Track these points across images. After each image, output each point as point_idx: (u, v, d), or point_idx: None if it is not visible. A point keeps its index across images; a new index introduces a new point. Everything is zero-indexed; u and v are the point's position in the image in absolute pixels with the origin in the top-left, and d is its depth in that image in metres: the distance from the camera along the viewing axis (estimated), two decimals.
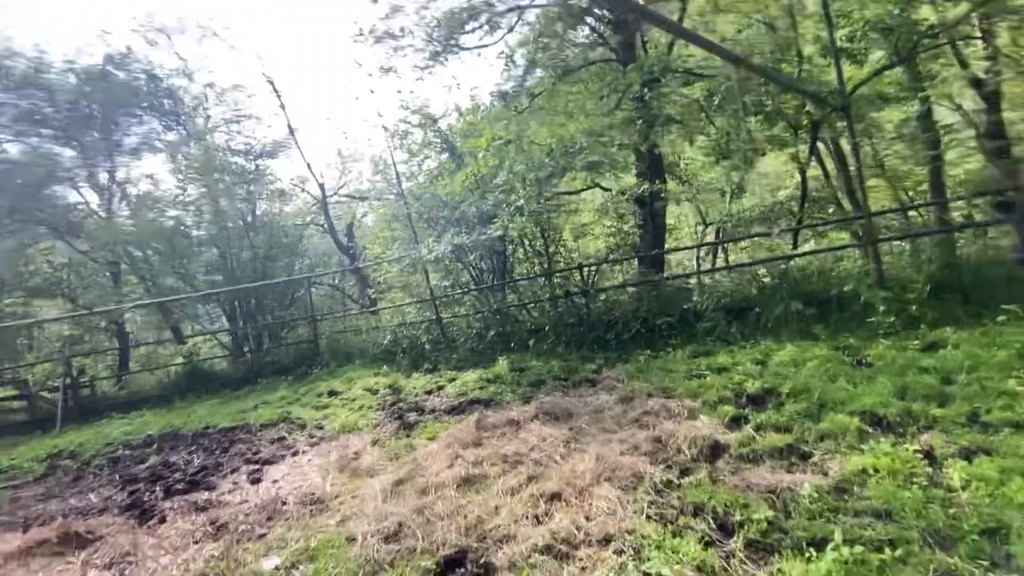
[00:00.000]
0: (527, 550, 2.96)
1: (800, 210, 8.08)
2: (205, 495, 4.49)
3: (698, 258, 10.50)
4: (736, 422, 3.99)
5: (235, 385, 9.51)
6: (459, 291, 9.48)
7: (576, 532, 3.07)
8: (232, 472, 5.06)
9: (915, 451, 2.97)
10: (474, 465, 4.29)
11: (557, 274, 8.61)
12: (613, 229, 10.17)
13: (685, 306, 6.80)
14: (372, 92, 10.52)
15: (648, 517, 3.01)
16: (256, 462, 5.22)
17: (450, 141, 9.51)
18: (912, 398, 3.64)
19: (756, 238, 7.70)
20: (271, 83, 13.17)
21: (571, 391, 5.66)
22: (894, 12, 5.97)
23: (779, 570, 2.37)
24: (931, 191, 9.25)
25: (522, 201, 5.84)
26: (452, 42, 7.05)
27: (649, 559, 2.61)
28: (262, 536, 3.59)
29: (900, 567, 2.21)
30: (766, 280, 6.58)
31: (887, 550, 2.29)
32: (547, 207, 7.79)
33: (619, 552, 2.76)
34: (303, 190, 15.43)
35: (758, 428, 3.78)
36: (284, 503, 4.10)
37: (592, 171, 6.63)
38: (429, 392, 6.85)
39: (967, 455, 2.85)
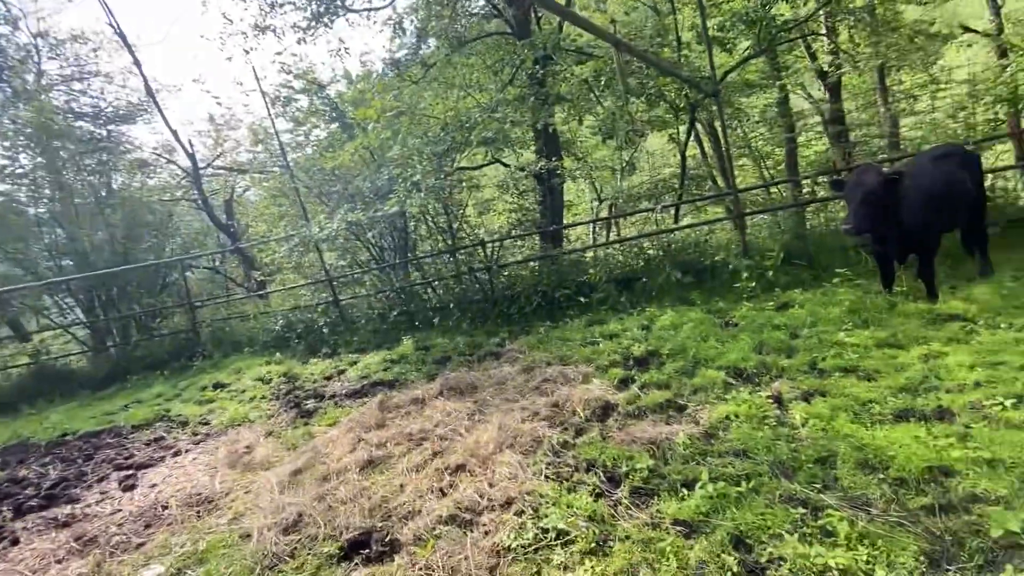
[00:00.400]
0: (432, 522, 2.99)
1: (680, 187, 8.78)
2: (67, 509, 3.97)
3: (594, 232, 11.03)
4: (624, 383, 4.31)
5: (98, 385, 8.36)
6: (358, 270, 9.08)
7: (480, 499, 3.15)
8: (99, 481, 4.50)
9: (767, 397, 3.42)
10: (377, 447, 4.22)
11: (461, 251, 8.57)
12: (515, 205, 10.31)
13: (582, 278, 7.14)
14: (247, 52, 9.36)
15: (547, 477, 3.17)
16: (128, 467, 4.69)
17: (340, 110, 8.91)
18: (767, 352, 4.17)
19: (643, 213, 8.24)
20: (120, 35, 11.25)
21: (476, 365, 5.74)
22: (756, 6, 6.58)
23: (658, 511, 2.62)
24: (787, 170, 10.55)
25: (419, 176, 5.68)
26: (336, 1, 6.53)
27: (546, 515, 2.76)
28: (140, 546, 3.26)
29: (754, 496, 2.55)
30: (651, 252, 7.10)
31: (743, 483, 2.63)
32: (449, 183, 7.67)
33: (519, 513, 2.89)
34: (170, 161, 13.63)
35: (643, 387, 4.12)
36: (165, 508, 3.74)
37: (488, 147, 6.62)
38: (329, 377, 6.56)
39: (807, 397, 3.35)
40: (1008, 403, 2.74)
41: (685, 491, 2.71)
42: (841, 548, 2.11)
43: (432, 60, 7.06)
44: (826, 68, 9.45)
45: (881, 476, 2.47)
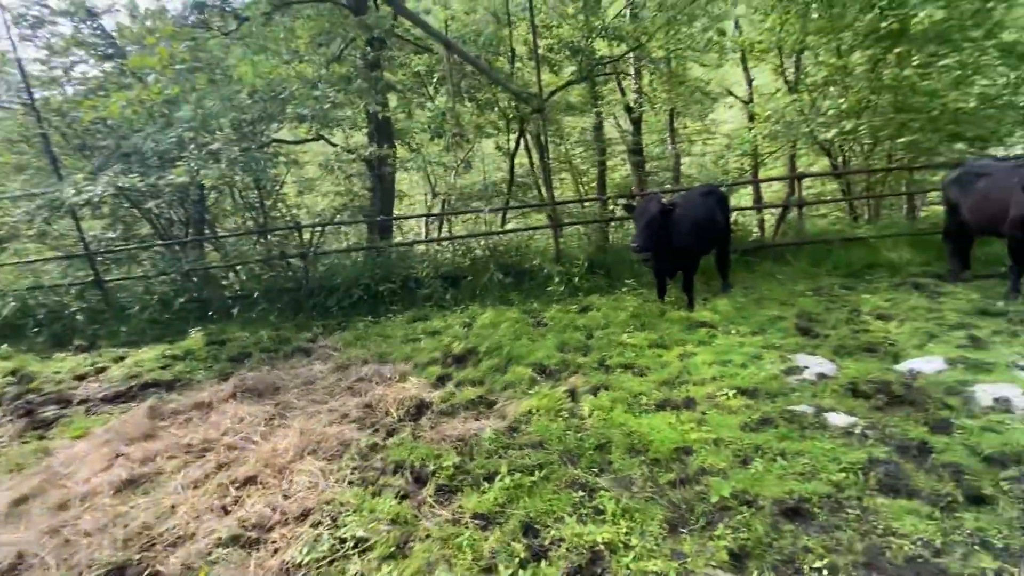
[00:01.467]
0: (208, 546, 2.61)
1: (508, 192, 9.25)
2: None
3: (427, 227, 10.98)
4: (442, 380, 4.36)
5: None
6: (134, 245, 7.47)
7: (271, 514, 2.85)
8: None
9: (564, 391, 3.80)
10: (143, 462, 3.54)
11: (274, 233, 7.68)
12: (343, 189, 9.65)
13: (409, 273, 7.01)
14: None
15: (351, 483, 3.02)
16: None
17: (120, 47, 7.20)
18: (568, 350, 4.64)
19: (473, 214, 8.46)
20: None
21: (281, 363, 5.21)
22: (580, 37, 7.28)
23: (460, 506, 2.70)
24: (598, 188, 11.94)
25: (218, 144, 4.87)
26: None
27: (345, 524, 2.63)
28: None
29: (545, 483, 2.79)
30: (478, 252, 7.34)
31: (537, 472, 2.87)
32: (263, 155, 6.78)
33: (316, 524, 2.69)
34: None
35: (458, 384, 4.22)
36: None
37: (306, 123, 6.01)
38: (82, 377, 5.28)
39: (595, 391, 3.81)
40: (731, 393, 3.50)
41: (486, 484, 2.83)
42: (608, 524, 2.43)
43: (247, 13, 6.13)
44: (632, 104, 10.95)
45: (643, 458, 2.93)
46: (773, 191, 11.98)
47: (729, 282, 6.27)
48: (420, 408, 3.88)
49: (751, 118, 9.24)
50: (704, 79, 13.48)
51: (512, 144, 9.39)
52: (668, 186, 11.63)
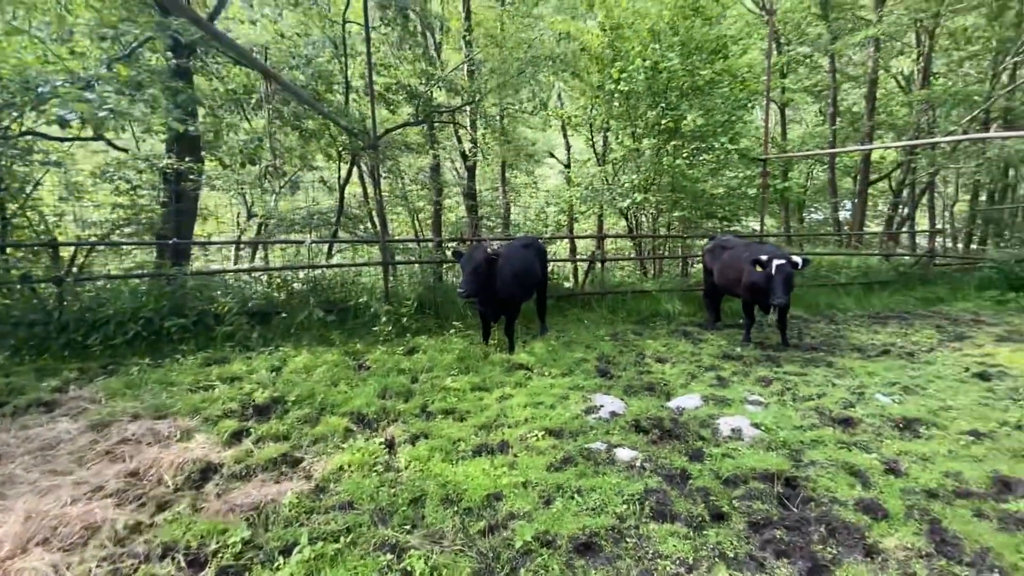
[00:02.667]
0: None
1: (337, 223, 8.80)
2: None
3: (236, 254, 9.73)
4: (237, 436, 3.80)
5: None
6: None
7: None
8: None
9: (381, 443, 3.64)
10: None
11: (21, 248, 5.98)
12: (128, 201, 8.02)
13: (207, 307, 6.08)
14: None
15: None
16: None
17: None
18: (390, 396, 4.48)
19: (295, 245, 7.80)
20: None
21: (7, 422, 3.98)
22: (417, 84, 7.48)
23: None
24: (433, 228, 12.12)
25: None
26: None
27: None
28: None
29: (351, 550, 2.59)
30: (296, 286, 6.75)
31: (343, 538, 2.65)
32: (3, 147, 5.27)
33: None
34: None
35: (258, 440, 3.73)
36: None
37: (67, 127, 4.87)
38: None
39: (414, 440, 3.72)
40: (540, 434, 3.76)
41: (281, 560, 2.52)
42: None
43: None
44: (467, 152, 11.54)
45: (456, 508, 2.93)
46: (586, 245, 13.67)
47: (546, 326, 6.84)
48: (206, 472, 3.31)
49: (568, 181, 10.50)
50: (531, 139, 14.94)
51: (343, 173, 9.02)
52: (499, 231, 12.42)
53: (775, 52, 14.17)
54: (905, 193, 14.61)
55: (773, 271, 5.61)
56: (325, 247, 9.05)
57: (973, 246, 16.78)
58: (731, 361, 5.71)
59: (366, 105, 8.50)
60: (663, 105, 8.56)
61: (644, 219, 10.36)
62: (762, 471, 3.24)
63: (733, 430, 3.83)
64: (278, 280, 6.73)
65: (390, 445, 3.65)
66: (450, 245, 8.20)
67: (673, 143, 8.54)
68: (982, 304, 9.06)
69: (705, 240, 8.18)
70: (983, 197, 17.29)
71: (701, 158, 8.75)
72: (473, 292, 5.05)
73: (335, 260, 9.02)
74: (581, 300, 8.20)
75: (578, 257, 11.33)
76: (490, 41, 9.13)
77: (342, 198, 8.97)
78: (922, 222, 18.30)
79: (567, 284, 9.58)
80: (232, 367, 5.00)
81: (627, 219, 10.34)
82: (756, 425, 3.88)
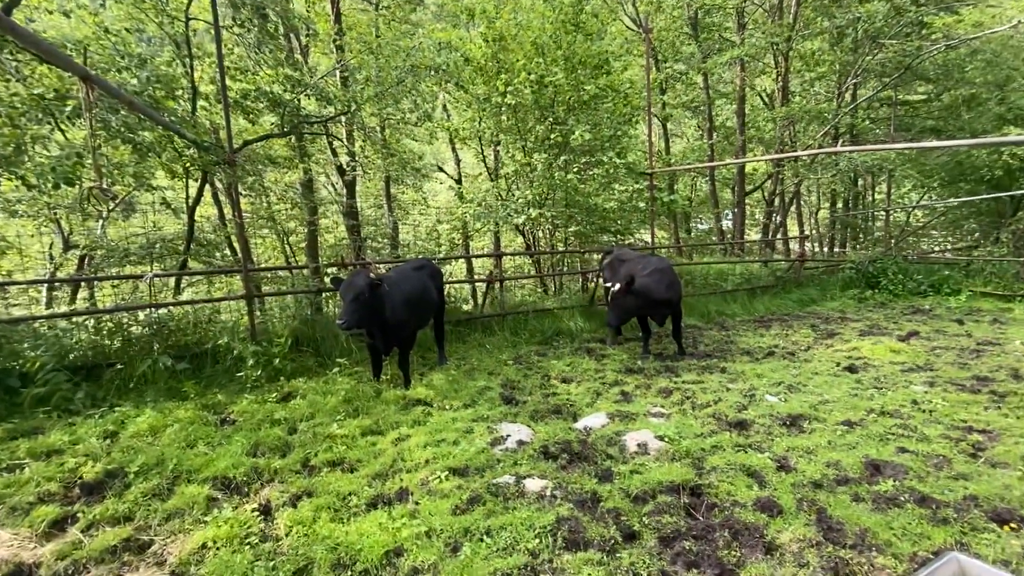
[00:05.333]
0: None
1: (186, 251, 8.04)
2: None
3: (50, 295, 8.40)
4: (59, 525, 3.27)
5: None
6: None
7: None
8: None
9: (253, 509, 3.34)
10: None
11: None
12: None
13: (11, 364, 5.20)
14: None
15: None
16: None
17: None
18: (262, 453, 4.15)
19: (131, 280, 6.97)
20: None
21: None
22: (281, 91, 7.18)
23: None
24: (308, 252, 11.54)
25: None
26: None
27: None
28: None
29: None
30: (135, 330, 6.03)
31: None
32: None
33: None
34: None
35: (90, 526, 3.24)
36: None
37: None
38: None
39: (295, 501, 3.47)
40: (443, 475, 3.71)
41: None
42: None
43: None
44: (344, 166, 11.23)
45: (350, 573, 2.78)
46: (483, 265, 13.88)
47: (445, 354, 6.81)
48: None
49: (460, 197, 10.67)
50: (417, 152, 14.97)
51: (192, 193, 8.31)
52: (387, 253, 12.18)
53: (654, 68, 15.80)
54: (776, 202, 16.90)
55: (608, 295, 6.62)
56: (171, 281, 8.21)
57: (836, 249, 19.86)
58: (633, 375, 6.12)
59: (218, 114, 7.96)
60: (551, 119, 9.10)
61: (541, 235, 10.83)
62: (668, 484, 3.50)
63: (639, 445, 4.10)
64: (109, 325, 5.95)
65: (265, 511, 3.38)
66: (330, 271, 7.87)
67: (563, 157, 9.08)
68: (847, 302, 10.73)
69: (602, 254, 8.75)
70: (840, 204, 20.59)
71: (591, 172, 9.40)
72: (355, 323, 4.90)
73: (185, 296, 8.22)
74: (482, 323, 8.30)
75: (476, 278, 11.42)
76: (364, 47, 9.07)
77: (192, 221, 8.20)
78: (793, 228, 21.30)
79: (466, 307, 9.65)
80: (48, 439, 4.29)
81: (524, 235, 10.72)
82: (660, 437, 4.19)
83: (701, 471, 3.70)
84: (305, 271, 9.39)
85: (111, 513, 3.35)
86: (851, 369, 6.05)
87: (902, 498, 3.29)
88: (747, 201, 18.96)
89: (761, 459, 3.82)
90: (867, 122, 15.64)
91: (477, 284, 11.44)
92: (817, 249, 20.96)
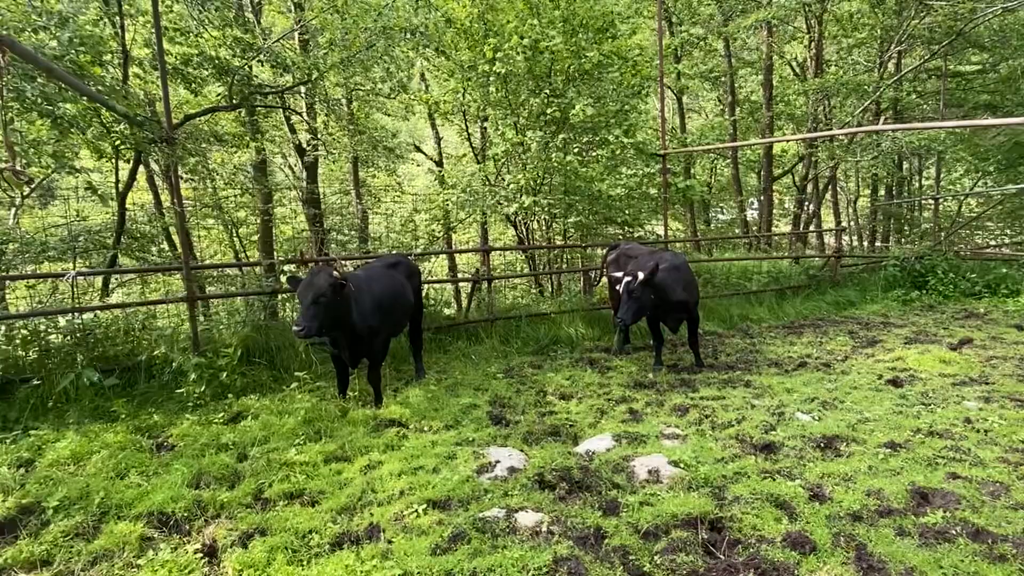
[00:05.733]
0: None
1: (115, 246, 7.96)
2: None
3: None
4: None
5: None
6: None
7: None
8: None
9: (196, 550, 3.32)
10: None
11: None
12: None
13: None
14: None
15: None
16: None
17: None
18: (206, 483, 4.12)
19: (48, 278, 6.89)
20: None
21: None
22: (228, 56, 7.14)
23: None
24: (261, 246, 11.49)
25: None
26: None
27: None
28: None
29: None
30: (53, 339, 5.98)
31: None
32: None
33: None
34: None
35: (0, 573, 3.20)
36: None
37: None
38: None
39: (245, 540, 3.45)
40: (421, 509, 3.71)
41: None
42: None
43: None
44: (304, 145, 11.21)
45: None
46: (468, 261, 13.89)
47: (423, 366, 6.81)
48: None
49: (441, 182, 10.69)
50: (391, 129, 14.96)
51: (123, 176, 8.24)
52: (355, 247, 12.15)
53: (667, 32, 15.91)
54: (809, 189, 17.09)
55: (621, 288, 6.49)
56: (98, 281, 8.12)
57: (878, 243, 20.11)
58: (644, 390, 6.16)
59: (154, 83, 7.89)
60: (547, 91, 9.13)
61: (536, 227, 10.86)
62: (684, 516, 3.52)
63: (650, 471, 4.12)
64: (24, 333, 5.88)
65: (210, 552, 3.35)
66: (287, 269, 7.83)
67: (562, 136, 9.12)
68: (889, 305, 10.86)
69: (606, 249, 8.79)
70: (882, 192, 20.86)
71: (595, 154, 9.44)
72: (316, 330, 4.87)
73: (115, 298, 8.14)
74: (467, 330, 8.30)
75: (460, 277, 11.42)
76: (328, 4, 9.02)
77: (122, 210, 8.10)
78: (828, 219, 21.56)
79: (448, 311, 9.64)
80: None
81: (516, 227, 10.74)
82: (675, 463, 4.22)
83: (722, 502, 3.73)
84: (258, 269, 9.37)
85: (25, 556, 3.31)
86: (895, 382, 6.12)
87: (953, 532, 3.34)
88: (775, 188, 19.16)
89: (791, 487, 3.85)
90: (913, 96, 15.84)
91: (461, 284, 11.44)
92: (856, 243, 21.22)
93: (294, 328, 4.79)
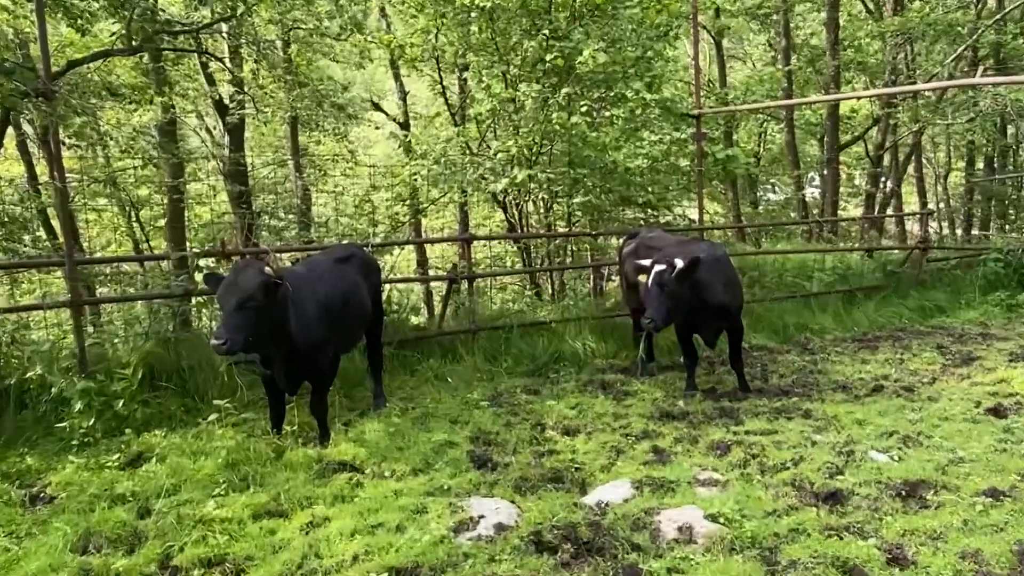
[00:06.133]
0: None
1: None
2: None
3: None
4: None
5: None
6: None
7: None
8: None
9: None
10: None
11: None
12: None
13: None
14: None
15: None
16: None
17: None
18: (97, 547, 4.09)
19: None
20: None
21: None
22: None
23: None
24: (169, 233, 11.43)
25: None
26: None
27: None
28: None
29: None
30: None
31: None
32: None
33: None
34: None
35: None
36: None
37: None
38: None
39: None
40: None
41: None
42: None
43: None
44: (227, 102, 11.17)
45: None
46: (443, 254, 13.87)
47: (383, 392, 6.79)
48: None
49: (407, 150, 10.64)
50: (342, 81, 14.93)
51: None
52: (292, 233, 12.12)
53: None
54: (887, 161, 17.24)
55: (649, 280, 6.39)
56: None
57: (974, 231, 20.30)
58: (672, 422, 6.18)
59: (27, 18, 7.82)
60: (547, 32, 9.12)
61: (532, 209, 10.86)
62: None
63: (681, 529, 4.13)
64: None
65: None
66: (204, 264, 7.77)
67: (565, 91, 9.11)
68: (990, 311, 10.95)
69: (623, 239, 8.81)
70: (980, 165, 21.06)
71: (608, 114, 9.44)
72: (241, 344, 4.82)
73: None
74: (441, 344, 8.29)
75: (432, 274, 11.40)
76: None
77: None
78: (910, 200, 21.74)
79: (417, 320, 9.61)
80: None
81: (505, 210, 10.73)
82: (713, 517, 4.23)
83: (774, 568, 3.74)
84: (165, 264, 9.29)
85: None
86: (997, 412, 6.17)
87: None
88: (842, 159, 19.29)
89: (864, 549, 3.87)
90: (1021, 41, 15.98)
91: (434, 284, 11.42)
92: (947, 231, 21.38)
93: (213, 342, 4.74)
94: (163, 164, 11.26)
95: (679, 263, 6.26)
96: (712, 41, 18.29)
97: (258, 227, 11.26)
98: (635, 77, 9.51)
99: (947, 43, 15.59)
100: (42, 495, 4.79)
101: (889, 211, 17.21)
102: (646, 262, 6.58)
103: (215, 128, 12.64)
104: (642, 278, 6.58)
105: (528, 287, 10.82)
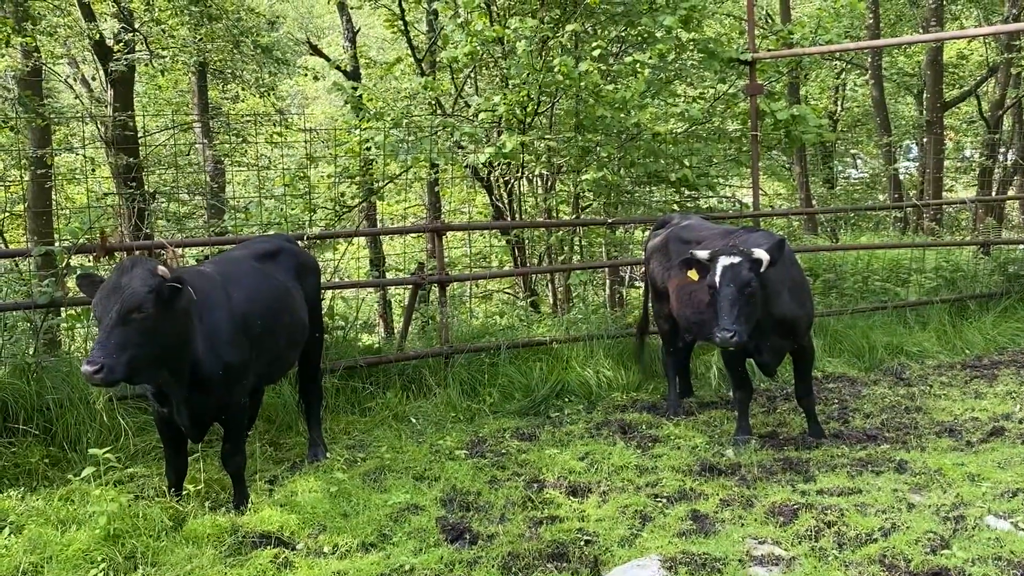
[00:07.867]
0: None
1: None
2: None
3: None
4: None
5: None
6: None
7: None
8: None
9: None
10: None
11: None
12: None
13: None
14: None
15: None
16: None
17: None
18: None
19: None
20: None
21: None
22: None
23: None
24: (31, 224, 11.40)
25: None
26: None
27: None
28: None
29: None
30: None
31: None
32: None
33: None
34: None
35: None
36: None
37: None
38: None
39: None
40: None
41: None
42: None
43: None
44: (110, 42, 11.14)
45: None
46: (406, 250, 13.86)
47: (322, 438, 6.78)
48: None
49: (356, 109, 10.63)
50: (267, 14, 14.93)
51: None
52: (199, 222, 12.09)
53: None
54: (1007, 124, 17.33)
55: (718, 278, 6.20)
56: None
57: None
58: (718, 478, 6.17)
59: None
60: None
61: (526, 189, 10.86)
62: None
63: None
64: None
65: None
66: (77, 263, 7.76)
67: (572, 28, 9.13)
68: None
69: (651, 230, 8.79)
70: None
71: (629, 60, 9.45)
72: (124, 371, 4.73)
73: None
74: (403, 372, 8.32)
75: (391, 277, 11.39)
76: None
77: None
78: None
79: (369, 340, 9.60)
80: None
81: (490, 191, 10.73)
82: None
83: None
84: (24, 263, 9.27)
85: None
86: None
87: None
88: (948, 123, 19.38)
89: None
90: None
91: (394, 291, 11.41)
92: None
93: (85, 368, 4.68)
94: (23, 129, 11.23)
95: (762, 254, 6.13)
96: None
97: (152, 213, 11.23)
98: (666, 10, 9.51)
99: None
100: None
101: (1011, 192, 17.29)
102: (702, 253, 6.43)
103: (94, 79, 12.61)
104: (692, 275, 6.46)
105: (521, 295, 10.81)
